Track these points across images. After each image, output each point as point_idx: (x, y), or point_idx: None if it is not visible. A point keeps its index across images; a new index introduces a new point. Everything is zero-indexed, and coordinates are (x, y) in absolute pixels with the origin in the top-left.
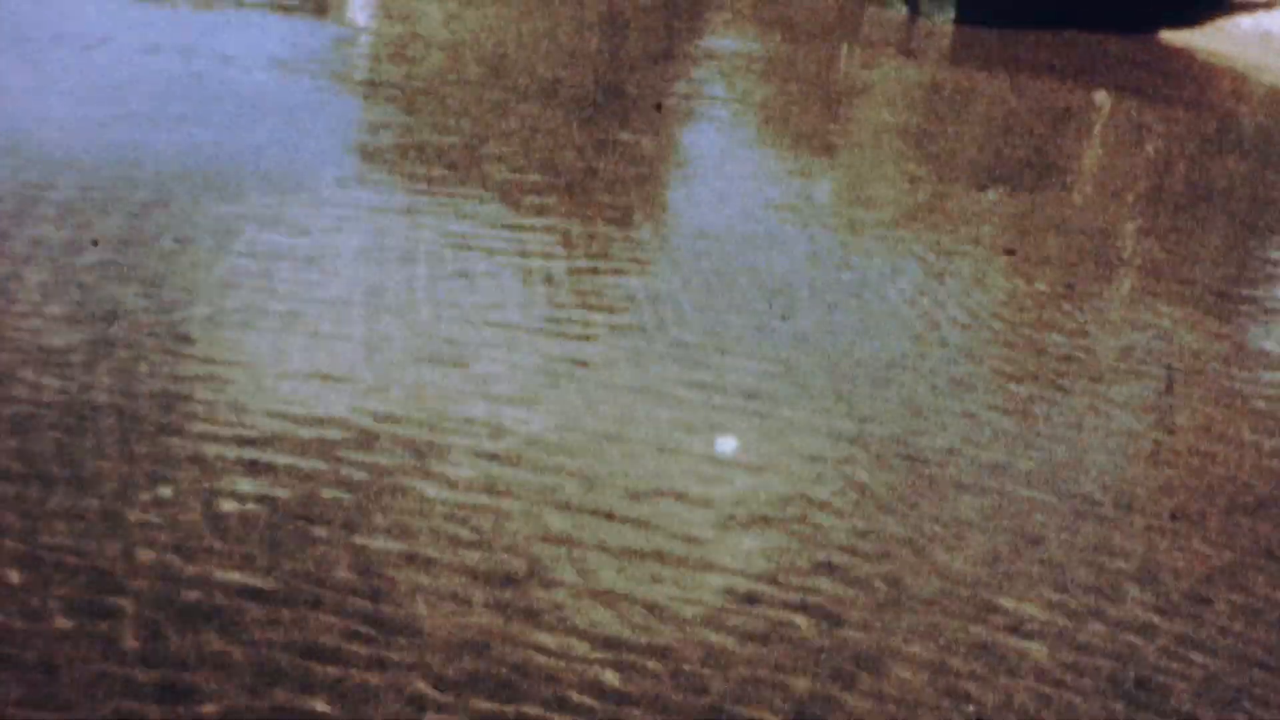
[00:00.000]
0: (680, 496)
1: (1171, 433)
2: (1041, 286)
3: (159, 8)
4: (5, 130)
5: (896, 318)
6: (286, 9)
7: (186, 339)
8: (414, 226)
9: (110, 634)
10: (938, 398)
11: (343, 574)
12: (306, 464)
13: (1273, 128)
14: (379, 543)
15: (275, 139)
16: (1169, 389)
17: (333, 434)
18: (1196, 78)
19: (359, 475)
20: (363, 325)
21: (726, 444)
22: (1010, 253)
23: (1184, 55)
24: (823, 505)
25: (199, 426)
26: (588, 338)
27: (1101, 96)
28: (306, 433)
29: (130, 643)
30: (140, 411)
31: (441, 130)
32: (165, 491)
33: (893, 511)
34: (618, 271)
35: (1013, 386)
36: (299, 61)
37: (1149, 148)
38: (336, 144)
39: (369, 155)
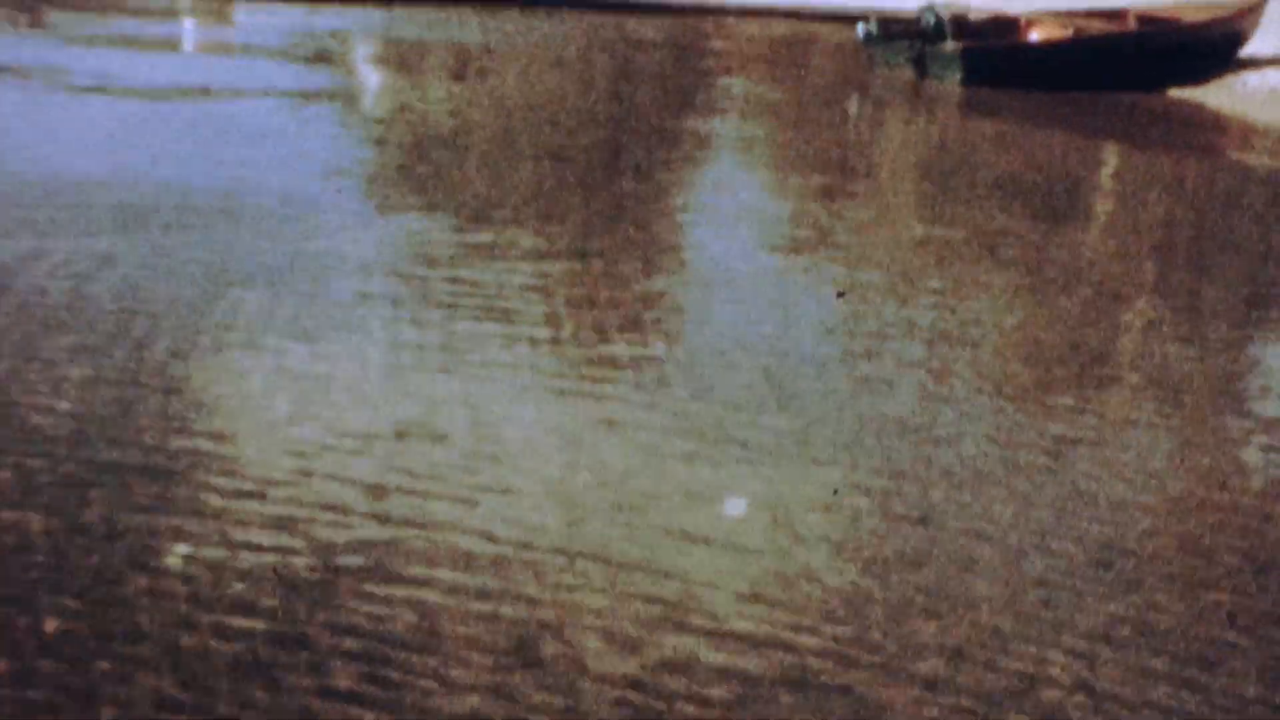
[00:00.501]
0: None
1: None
2: (1049, 350)
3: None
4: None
5: (905, 381)
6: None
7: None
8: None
9: None
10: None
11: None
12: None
13: (1278, 189)
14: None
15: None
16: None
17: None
18: (1205, 134)
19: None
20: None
21: (736, 505)
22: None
23: (1191, 113)
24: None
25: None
26: (601, 397)
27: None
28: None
29: None
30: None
31: (449, 192)
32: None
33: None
34: (630, 328)
35: (1010, 449)
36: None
37: (1158, 203)
38: (340, 209)
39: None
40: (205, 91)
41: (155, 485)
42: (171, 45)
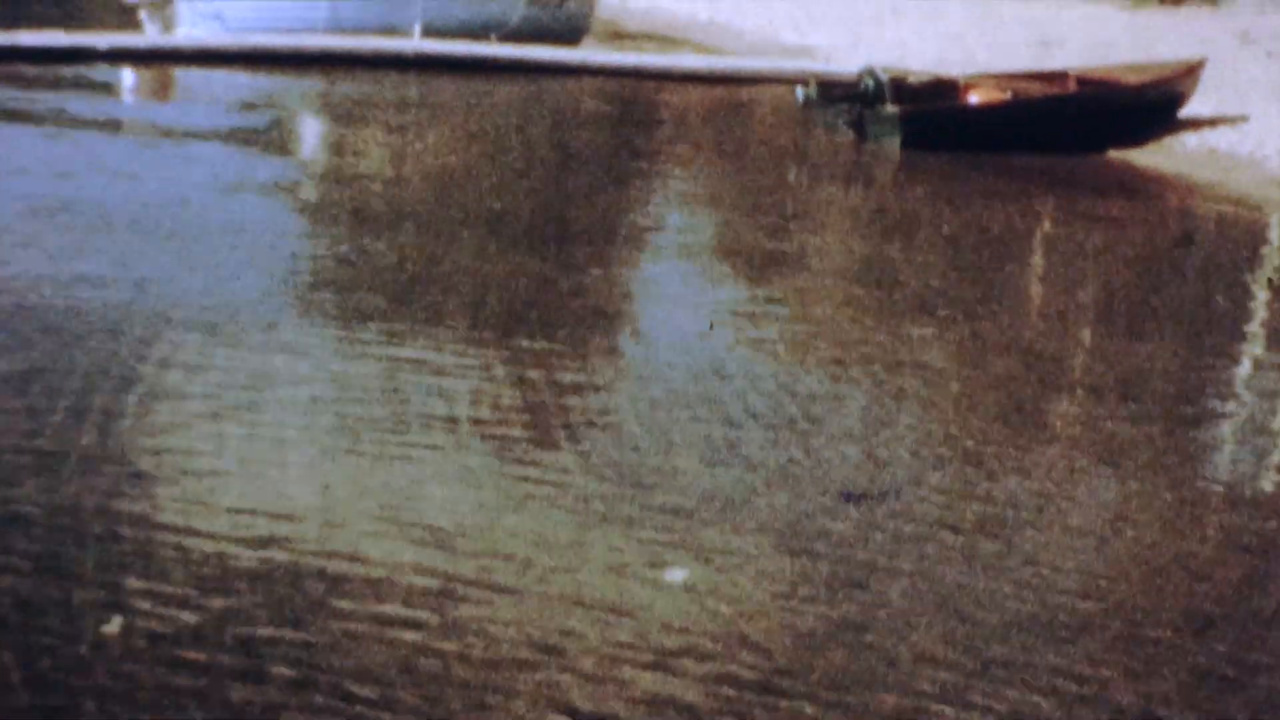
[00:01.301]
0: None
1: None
2: (988, 412)
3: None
4: None
5: (842, 451)
6: (234, 140)
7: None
8: (350, 361)
9: None
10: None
11: None
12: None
13: (1219, 246)
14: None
15: (215, 280)
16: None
17: None
18: (1144, 195)
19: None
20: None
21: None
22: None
23: (1130, 174)
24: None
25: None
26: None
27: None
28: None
29: None
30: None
31: (385, 266)
32: None
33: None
34: (564, 411)
35: (950, 532)
36: (243, 192)
37: (1093, 269)
38: (277, 279)
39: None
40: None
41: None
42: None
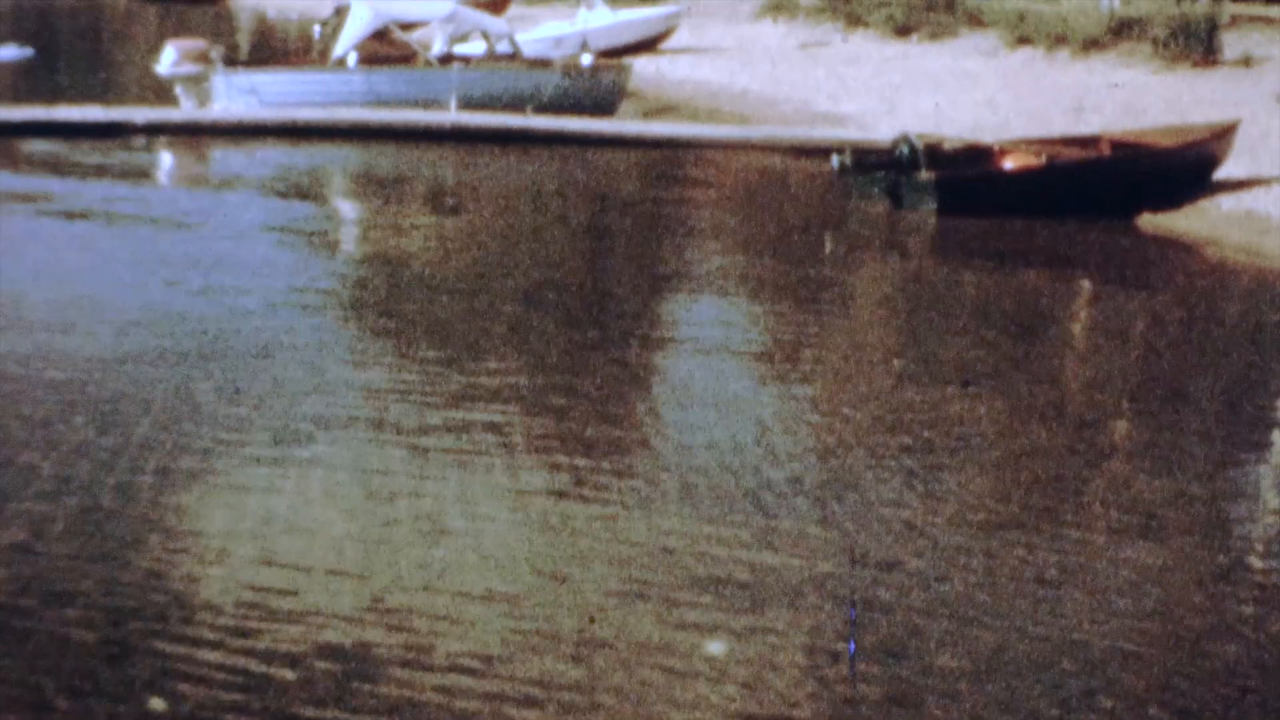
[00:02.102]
0: None
1: None
2: (1025, 481)
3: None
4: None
5: (883, 521)
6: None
7: None
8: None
9: None
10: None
11: None
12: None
13: (1256, 310)
14: None
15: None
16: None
17: None
18: (1180, 259)
19: None
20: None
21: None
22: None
23: (1166, 240)
24: None
25: None
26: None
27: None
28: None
29: None
30: None
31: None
32: None
33: None
34: (603, 488)
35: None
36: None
37: (1129, 335)
38: (316, 348)
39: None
40: (182, 224)
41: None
42: (146, 173)
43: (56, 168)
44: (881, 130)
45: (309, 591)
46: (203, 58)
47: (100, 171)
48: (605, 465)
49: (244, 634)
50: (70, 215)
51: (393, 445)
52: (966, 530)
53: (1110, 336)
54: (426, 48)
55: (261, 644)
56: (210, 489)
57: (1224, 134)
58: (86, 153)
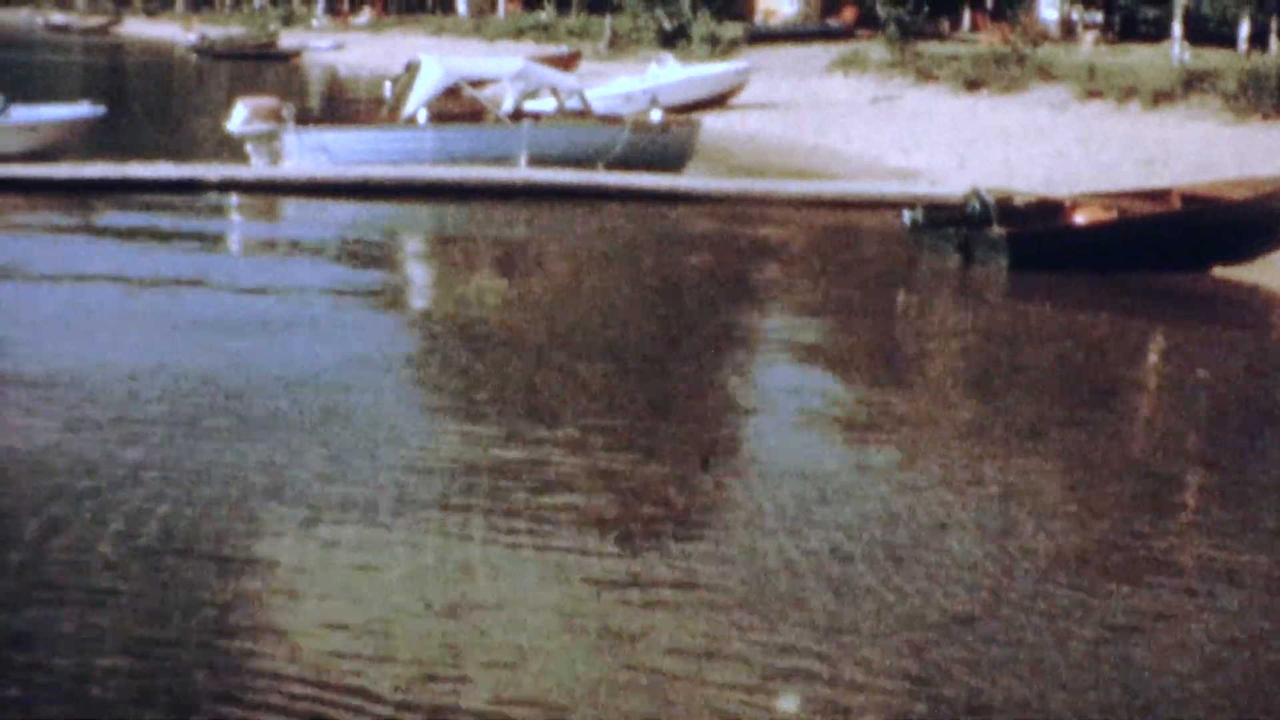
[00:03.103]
0: None
1: None
2: (1100, 535)
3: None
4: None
5: (956, 577)
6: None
7: None
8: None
9: None
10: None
11: None
12: None
13: None
14: None
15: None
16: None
17: None
18: (1254, 313)
19: None
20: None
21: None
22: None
23: (1237, 291)
24: None
25: None
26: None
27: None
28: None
29: None
30: None
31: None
32: None
33: None
34: (684, 528)
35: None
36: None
37: (1202, 392)
38: (388, 406)
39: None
40: (261, 290)
41: None
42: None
43: (129, 228)
44: (952, 185)
45: (380, 679)
46: (274, 115)
47: (172, 231)
48: (675, 544)
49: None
50: (143, 280)
51: (459, 515)
52: (1040, 583)
53: (1183, 390)
54: (497, 105)
55: None
56: (271, 562)
57: None
58: (158, 210)
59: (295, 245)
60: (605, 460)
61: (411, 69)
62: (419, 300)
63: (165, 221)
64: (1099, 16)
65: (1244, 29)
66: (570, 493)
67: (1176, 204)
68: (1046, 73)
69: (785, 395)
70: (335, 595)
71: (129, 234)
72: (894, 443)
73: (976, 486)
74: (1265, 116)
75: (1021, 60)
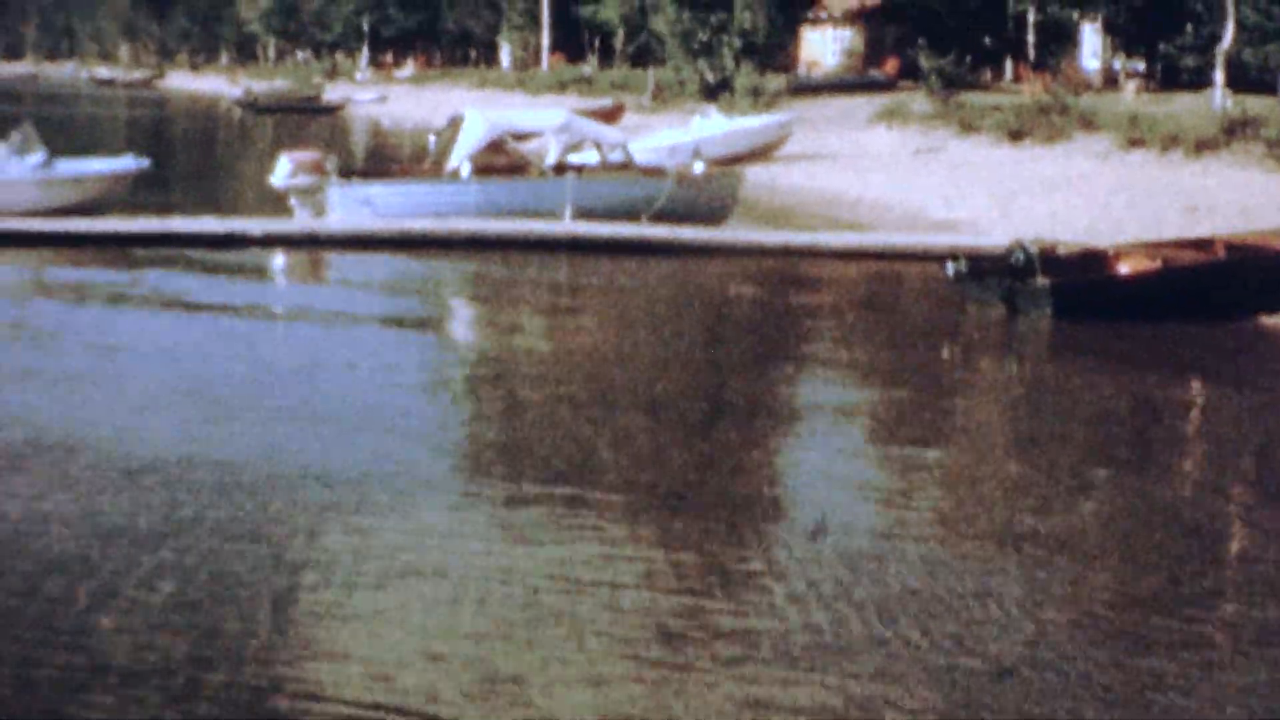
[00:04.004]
0: None
1: None
2: (1145, 586)
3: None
4: None
5: (1001, 626)
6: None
7: None
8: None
9: None
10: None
11: None
12: None
13: None
14: None
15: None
16: None
17: None
18: None
19: None
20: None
21: None
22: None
23: None
24: None
25: None
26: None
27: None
28: None
29: None
30: None
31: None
32: None
33: None
34: (724, 590)
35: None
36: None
37: (1249, 438)
38: (432, 459)
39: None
40: (297, 345)
41: None
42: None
43: (174, 287)
44: (996, 235)
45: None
46: (317, 169)
47: (216, 287)
48: (720, 601)
49: None
50: (185, 341)
51: (501, 568)
52: (1084, 633)
53: (1227, 439)
54: (541, 157)
55: None
56: (313, 614)
57: None
58: (202, 266)
59: (338, 293)
60: (645, 508)
61: (455, 122)
62: (460, 354)
63: (209, 271)
64: (1141, 65)
65: None
66: (608, 538)
67: (1220, 253)
68: (1089, 122)
69: (829, 450)
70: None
71: (171, 301)
72: (933, 488)
73: (1015, 533)
74: None
75: (1064, 110)
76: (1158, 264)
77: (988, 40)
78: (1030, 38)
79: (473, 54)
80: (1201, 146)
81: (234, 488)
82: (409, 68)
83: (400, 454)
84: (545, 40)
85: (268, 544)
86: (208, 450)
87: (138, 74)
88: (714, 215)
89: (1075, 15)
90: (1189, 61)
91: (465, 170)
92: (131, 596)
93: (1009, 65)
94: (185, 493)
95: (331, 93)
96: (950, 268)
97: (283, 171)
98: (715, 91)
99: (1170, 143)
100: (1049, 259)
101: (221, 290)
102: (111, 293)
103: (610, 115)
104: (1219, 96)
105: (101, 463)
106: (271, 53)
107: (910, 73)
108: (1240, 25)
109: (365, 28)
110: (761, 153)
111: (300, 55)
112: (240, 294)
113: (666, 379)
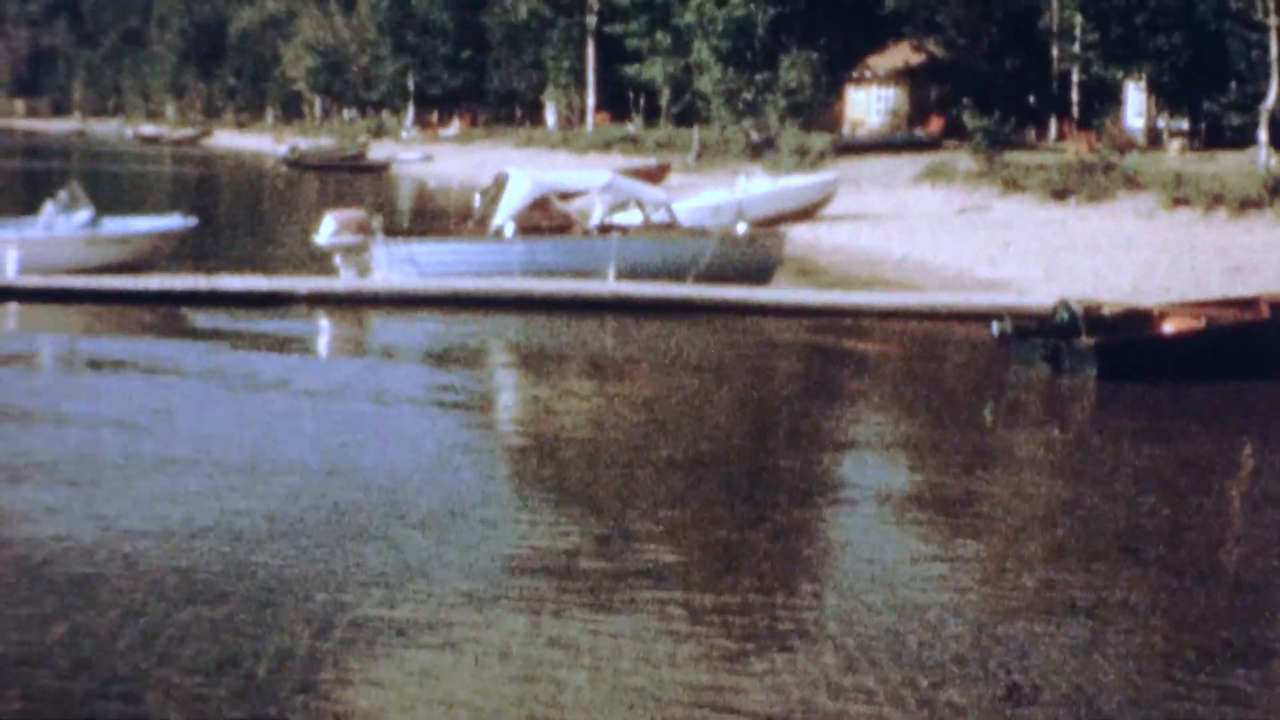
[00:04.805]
0: None
1: None
2: (1193, 650)
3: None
4: None
5: (1048, 694)
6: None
7: None
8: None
9: None
10: None
11: None
12: None
13: None
14: None
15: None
16: None
17: None
18: None
19: None
20: None
21: None
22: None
23: None
24: None
25: None
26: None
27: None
28: None
29: None
30: None
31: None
32: None
33: None
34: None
35: None
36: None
37: None
38: (477, 522)
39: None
40: (342, 396)
41: None
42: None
43: (219, 339)
44: (1040, 294)
45: None
46: (362, 227)
47: (261, 342)
48: (761, 637)
49: None
50: (234, 389)
51: (545, 625)
52: (1133, 698)
53: (1274, 500)
54: (585, 217)
55: None
56: (362, 666)
57: None
58: (248, 323)
59: (383, 355)
60: (690, 568)
61: (500, 181)
62: (504, 412)
63: (255, 328)
64: (1185, 124)
65: None
66: (654, 598)
67: (1265, 312)
68: (1133, 181)
69: (870, 506)
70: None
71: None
72: (978, 551)
73: (1060, 598)
74: None
75: (1108, 169)
76: (1202, 323)
77: (1032, 99)
78: (1074, 96)
79: (518, 113)
80: (1245, 205)
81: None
82: (454, 126)
83: (436, 512)
84: (590, 99)
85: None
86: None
87: (184, 131)
88: (758, 275)
89: (1119, 74)
90: (1233, 120)
91: (509, 229)
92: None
93: (1053, 124)
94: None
95: (377, 151)
96: (995, 328)
97: (328, 230)
98: (760, 150)
99: (1214, 202)
100: (1093, 319)
101: (262, 361)
102: (149, 364)
103: (655, 175)
104: (1263, 155)
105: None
106: (317, 111)
107: (954, 132)
108: None
109: (411, 86)
110: (806, 212)
111: (346, 113)
112: (280, 366)
113: (712, 439)
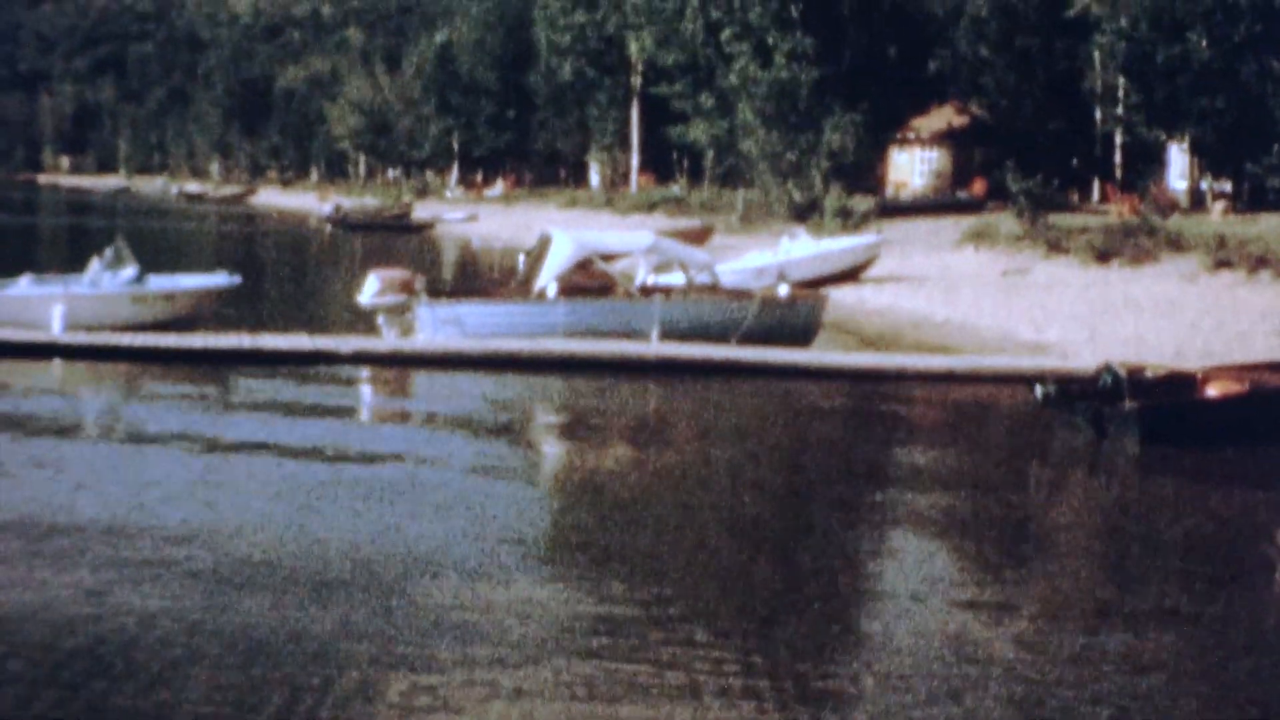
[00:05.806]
0: None
1: None
2: (1234, 713)
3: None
4: None
5: None
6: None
7: None
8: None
9: None
10: None
11: None
12: None
13: None
14: None
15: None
16: None
17: None
18: None
19: None
20: None
21: None
22: None
23: None
24: None
25: None
26: None
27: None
28: None
29: None
30: None
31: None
32: None
33: None
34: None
35: None
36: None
37: None
38: (520, 572)
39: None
40: (385, 458)
41: None
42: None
43: (264, 399)
44: (1084, 357)
45: None
46: (405, 288)
47: (305, 404)
48: (803, 693)
49: None
50: (282, 451)
51: (589, 689)
52: None
53: None
54: (629, 278)
55: None
56: None
57: None
58: (292, 383)
59: (426, 417)
60: (733, 633)
61: (543, 242)
62: (547, 473)
63: (299, 389)
64: (1228, 186)
65: None
66: (696, 663)
67: None
68: (1176, 243)
69: (912, 571)
70: None
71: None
72: (1020, 619)
73: (1105, 662)
74: None
75: (1151, 231)
76: (1246, 386)
77: (1075, 161)
78: (1117, 158)
79: (562, 173)
80: None
81: None
82: (498, 186)
83: (482, 572)
84: (634, 160)
85: None
86: None
87: (228, 190)
88: (799, 337)
89: (1162, 136)
90: (1276, 182)
91: (552, 290)
92: None
93: (1096, 186)
94: None
95: (421, 211)
96: (1038, 391)
97: (371, 290)
98: (804, 212)
99: (1258, 264)
100: (1137, 382)
101: (302, 431)
102: (190, 435)
103: (699, 236)
104: None
105: None
106: (362, 170)
107: (997, 193)
108: None
109: (455, 146)
110: (850, 274)
111: (390, 173)
112: (322, 434)
113: (754, 502)
